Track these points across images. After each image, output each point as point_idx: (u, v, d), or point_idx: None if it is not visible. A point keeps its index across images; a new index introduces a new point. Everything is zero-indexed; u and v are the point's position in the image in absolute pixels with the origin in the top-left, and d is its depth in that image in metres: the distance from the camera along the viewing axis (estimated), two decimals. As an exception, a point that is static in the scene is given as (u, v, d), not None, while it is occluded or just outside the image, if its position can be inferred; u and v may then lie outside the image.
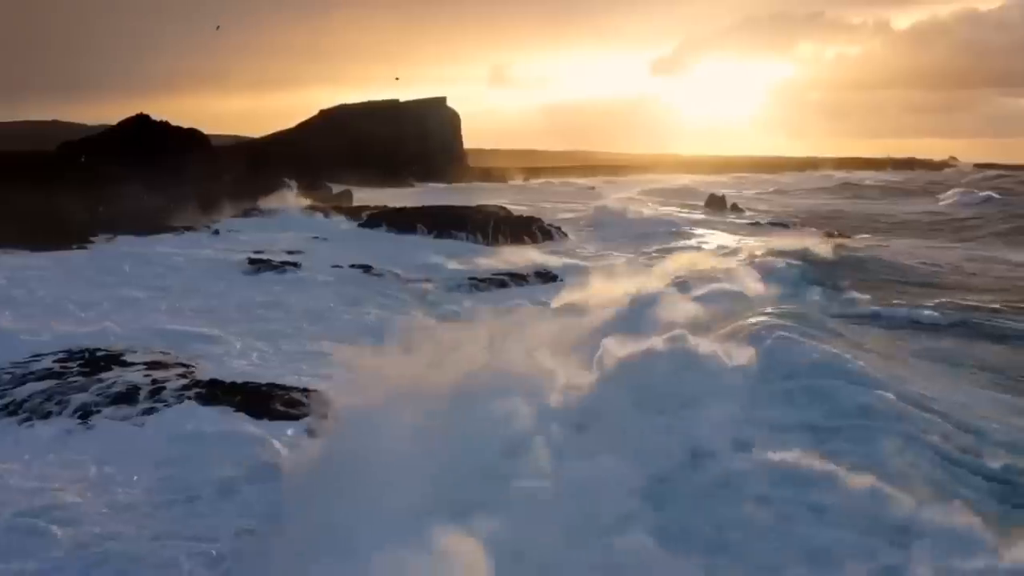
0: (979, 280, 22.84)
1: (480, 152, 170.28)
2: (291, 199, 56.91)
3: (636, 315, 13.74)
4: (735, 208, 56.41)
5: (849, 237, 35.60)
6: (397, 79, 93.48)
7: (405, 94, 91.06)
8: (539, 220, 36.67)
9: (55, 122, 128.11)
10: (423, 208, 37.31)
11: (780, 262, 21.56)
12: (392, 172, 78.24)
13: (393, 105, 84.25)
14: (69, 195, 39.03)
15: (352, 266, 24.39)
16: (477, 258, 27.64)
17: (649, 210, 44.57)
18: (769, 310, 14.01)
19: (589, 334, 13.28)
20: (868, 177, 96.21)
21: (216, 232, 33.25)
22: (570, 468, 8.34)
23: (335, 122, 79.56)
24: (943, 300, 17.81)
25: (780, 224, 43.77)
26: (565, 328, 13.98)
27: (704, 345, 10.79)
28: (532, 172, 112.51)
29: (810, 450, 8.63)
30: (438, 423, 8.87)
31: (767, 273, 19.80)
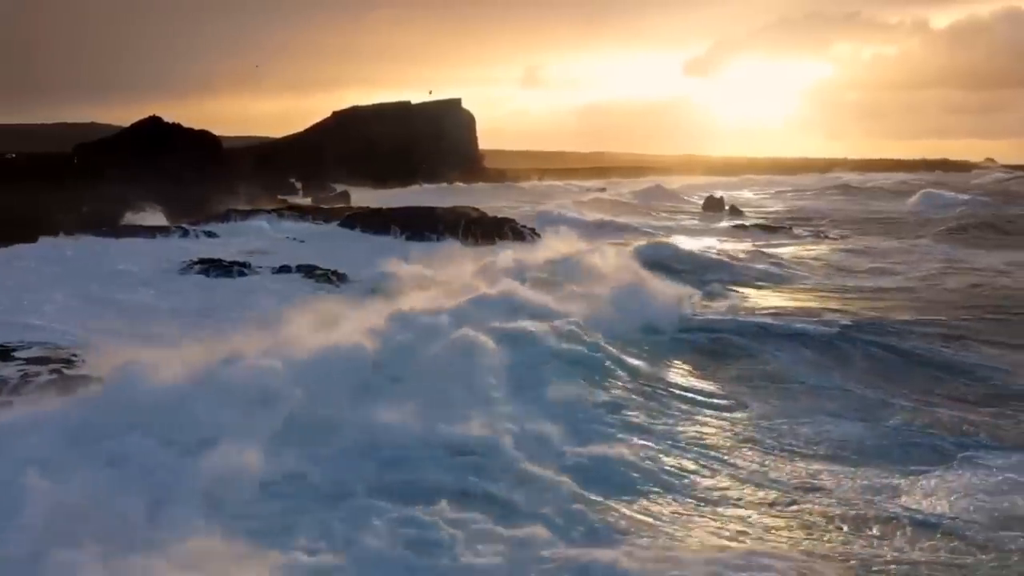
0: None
1: (507, 154, 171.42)
2: (297, 200, 58.16)
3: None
4: (733, 210, 56.19)
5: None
6: (431, 92, 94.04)
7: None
8: (512, 221, 36.87)
9: (92, 124, 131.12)
10: (398, 209, 37.70)
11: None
12: (403, 173, 78.96)
13: (404, 107, 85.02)
14: (54, 194, 40.32)
15: (299, 267, 24.90)
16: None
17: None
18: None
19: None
20: (883, 178, 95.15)
21: (195, 233, 33.85)
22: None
23: (347, 124, 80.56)
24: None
25: (762, 226, 43.76)
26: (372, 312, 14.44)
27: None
28: (548, 173, 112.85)
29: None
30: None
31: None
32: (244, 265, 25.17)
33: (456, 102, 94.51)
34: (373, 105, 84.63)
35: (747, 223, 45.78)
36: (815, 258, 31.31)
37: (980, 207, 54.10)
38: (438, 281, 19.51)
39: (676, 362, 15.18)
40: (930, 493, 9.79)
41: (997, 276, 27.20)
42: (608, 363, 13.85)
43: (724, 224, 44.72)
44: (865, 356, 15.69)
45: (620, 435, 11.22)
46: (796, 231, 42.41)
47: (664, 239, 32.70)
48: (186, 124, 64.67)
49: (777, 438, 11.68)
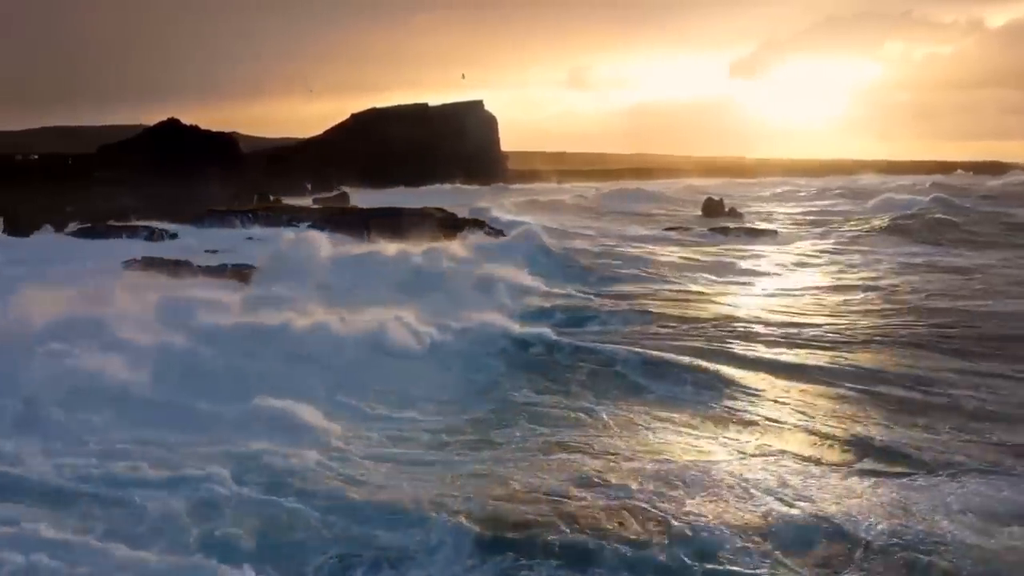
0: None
1: (546, 155, 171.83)
2: (299, 200, 59.22)
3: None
4: (732, 213, 55.69)
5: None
6: (463, 77, 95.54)
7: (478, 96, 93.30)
8: (484, 223, 37.29)
9: (140, 125, 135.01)
10: (367, 211, 38.47)
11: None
12: (419, 174, 79.91)
13: (422, 108, 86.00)
14: (44, 192, 41.91)
15: (235, 265, 25.70)
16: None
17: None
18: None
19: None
20: (900, 181, 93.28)
21: (160, 234, 34.84)
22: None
23: (365, 125, 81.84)
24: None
25: (745, 229, 43.47)
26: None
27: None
28: (577, 175, 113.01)
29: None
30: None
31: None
32: (185, 263, 26.04)
33: (478, 103, 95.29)
34: (391, 106, 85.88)
35: (731, 226, 45.43)
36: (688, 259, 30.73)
37: (924, 209, 52.72)
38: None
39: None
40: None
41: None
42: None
43: (697, 229, 44.27)
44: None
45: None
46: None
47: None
48: (235, 127, 66.36)
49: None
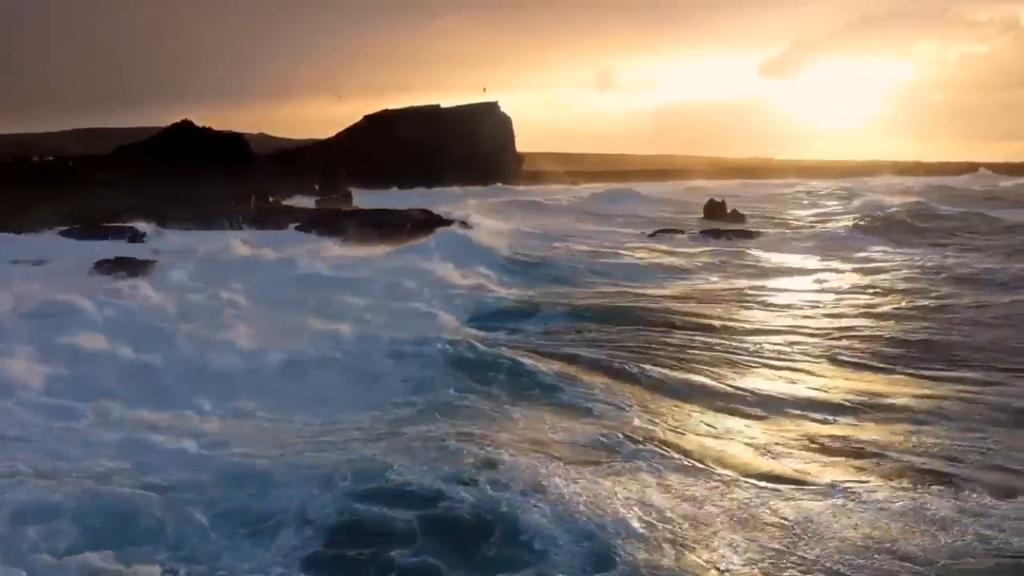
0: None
1: (566, 156, 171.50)
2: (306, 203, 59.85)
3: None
4: (734, 215, 55.31)
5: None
6: (484, 90, 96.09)
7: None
8: (464, 222, 37.51)
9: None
10: (353, 212, 38.90)
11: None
12: (429, 175, 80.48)
13: (433, 110, 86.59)
14: (49, 192, 42.86)
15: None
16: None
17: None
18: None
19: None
20: (905, 182, 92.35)
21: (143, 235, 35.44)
22: None
23: (377, 126, 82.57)
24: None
25: (736, 232, 43.29)
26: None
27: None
28: (596, 177, 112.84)
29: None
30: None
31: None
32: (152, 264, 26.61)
33: (492, 105, 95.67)
34: (402, 108, 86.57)
35: (723, 228, 45.18)
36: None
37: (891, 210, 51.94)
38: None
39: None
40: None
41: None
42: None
43: (689, 231, 44.04)
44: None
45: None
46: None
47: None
48: (263, 127, 67.68)
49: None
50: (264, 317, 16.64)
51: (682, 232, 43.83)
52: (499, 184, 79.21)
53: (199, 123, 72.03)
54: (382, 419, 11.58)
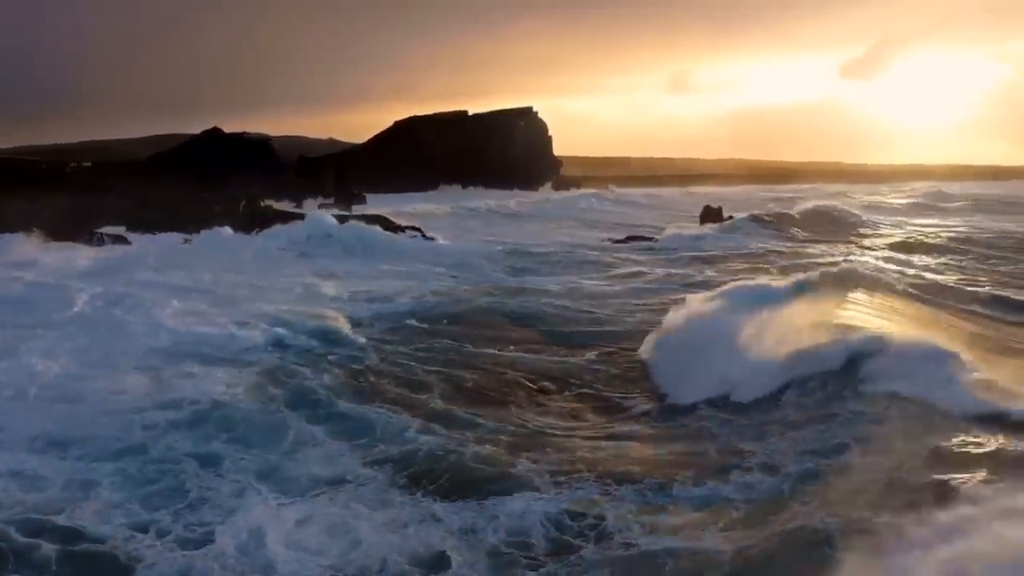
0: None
1: (627, 160, 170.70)
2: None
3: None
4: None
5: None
6: (532, 108, 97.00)
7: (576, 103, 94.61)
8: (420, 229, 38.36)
9: (243, 134, 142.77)
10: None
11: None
12: (455, 180, 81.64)
13: (460, 116, 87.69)
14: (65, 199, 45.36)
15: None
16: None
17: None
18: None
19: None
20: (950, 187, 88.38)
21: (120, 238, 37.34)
22: None
23: (405, 132, 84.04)
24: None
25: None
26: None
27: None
28: (645, 181, 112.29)
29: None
30: None
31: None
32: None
33: (526, 110, 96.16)
34: (430, 115, 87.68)
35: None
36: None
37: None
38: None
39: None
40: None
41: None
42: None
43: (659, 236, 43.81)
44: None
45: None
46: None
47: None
48: (333, 133, 70.55)
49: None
50: None
51: (652, 239, 43.75)
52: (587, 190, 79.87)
53: (271, 131, 74.67)
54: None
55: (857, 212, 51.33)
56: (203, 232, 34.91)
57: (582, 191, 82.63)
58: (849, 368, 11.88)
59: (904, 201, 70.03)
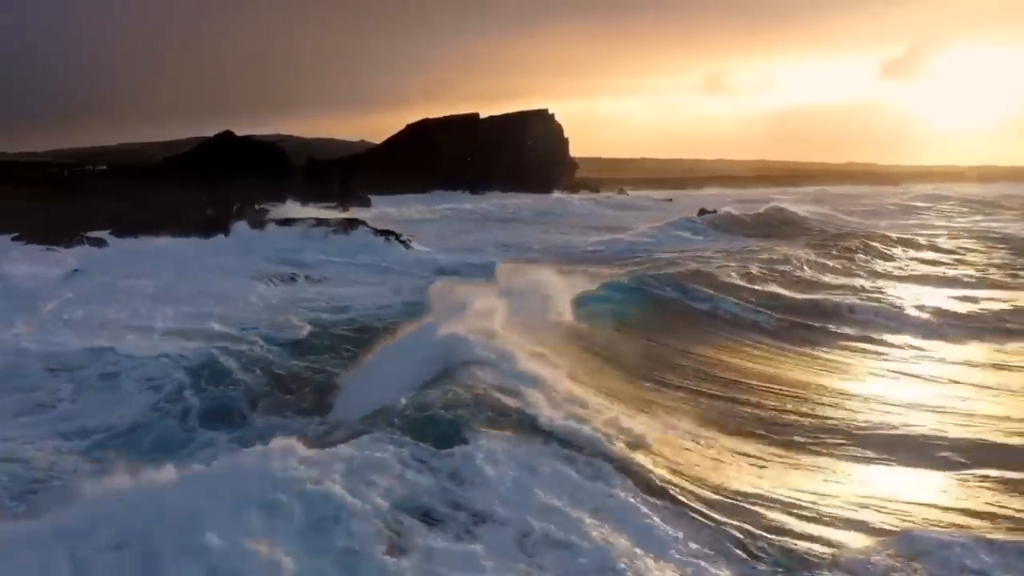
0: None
1: (653, 162, 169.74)
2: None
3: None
4: (729, 225, 54.04)
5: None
6: (549, 111, 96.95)
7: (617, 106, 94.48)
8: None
9: (276, 136, 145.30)
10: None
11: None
12: (465, 181, 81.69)
13: (472, 119, 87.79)
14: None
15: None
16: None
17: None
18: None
19: None
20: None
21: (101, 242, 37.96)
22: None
23: (416, 135, 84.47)
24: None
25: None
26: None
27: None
28: (664, 183, 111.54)
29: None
30: None
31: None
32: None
33: (541, 113, 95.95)
34: (441, 118, 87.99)
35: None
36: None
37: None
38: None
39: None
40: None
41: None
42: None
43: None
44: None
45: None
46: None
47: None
48: (364, 135, 71.54)
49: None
50: None
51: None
52: (541, 193, 79.65)
53: (305, 134, 75.57)
54: None
55: (805, 215, 50.35)
56: (176, 238, 35.36)
57: (592, 195, 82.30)
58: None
59: (894, 204, 69.88)
